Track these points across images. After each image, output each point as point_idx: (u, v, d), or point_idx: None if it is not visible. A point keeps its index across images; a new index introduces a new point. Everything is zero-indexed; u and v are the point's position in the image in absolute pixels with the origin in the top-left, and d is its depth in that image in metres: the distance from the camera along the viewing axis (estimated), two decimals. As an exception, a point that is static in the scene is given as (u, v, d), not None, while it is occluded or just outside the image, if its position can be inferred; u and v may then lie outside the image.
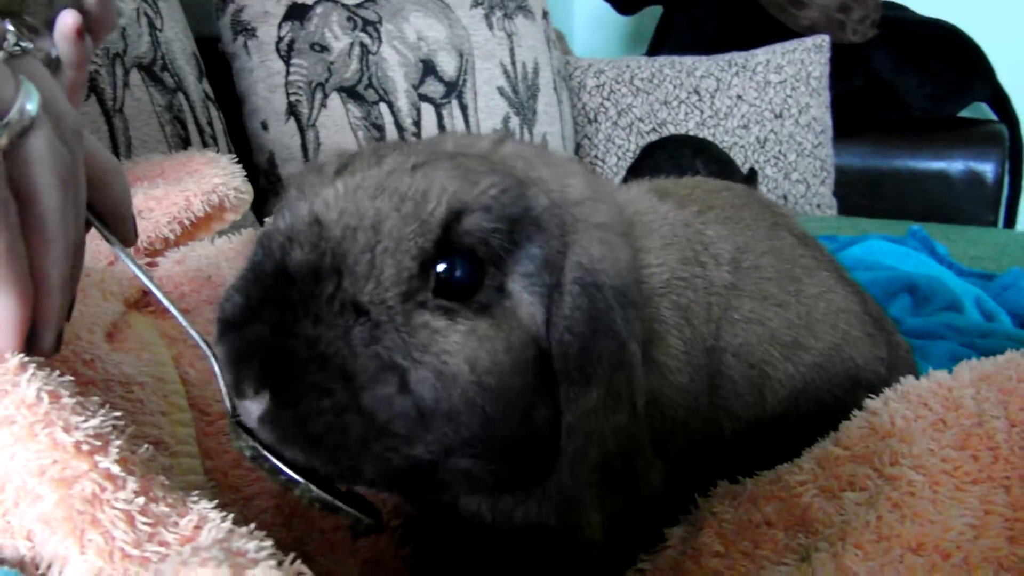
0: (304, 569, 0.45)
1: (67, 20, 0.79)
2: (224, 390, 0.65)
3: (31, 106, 0.57)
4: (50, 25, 0.81)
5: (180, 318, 0.69)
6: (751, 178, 2.56)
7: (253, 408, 0.59)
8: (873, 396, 0.77)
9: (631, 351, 0.65)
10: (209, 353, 0.68)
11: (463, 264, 0.61)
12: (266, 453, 0.60)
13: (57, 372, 0.56)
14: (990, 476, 0.68)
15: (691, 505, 0.80)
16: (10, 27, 0.63)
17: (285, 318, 0.57)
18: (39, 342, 0.60)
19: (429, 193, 0.60)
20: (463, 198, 0.60)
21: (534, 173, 0.67)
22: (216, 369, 0.67)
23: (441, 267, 0.60)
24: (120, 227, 0.71)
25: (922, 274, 1.89)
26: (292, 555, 0.46)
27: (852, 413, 0.77)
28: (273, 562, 0.45)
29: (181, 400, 0.83)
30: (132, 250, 1.09)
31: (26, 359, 0.56)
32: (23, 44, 0.63)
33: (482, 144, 0.70)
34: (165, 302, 0.70)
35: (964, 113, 3.56)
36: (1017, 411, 0.70)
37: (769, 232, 0.93)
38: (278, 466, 0.60)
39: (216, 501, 0.53)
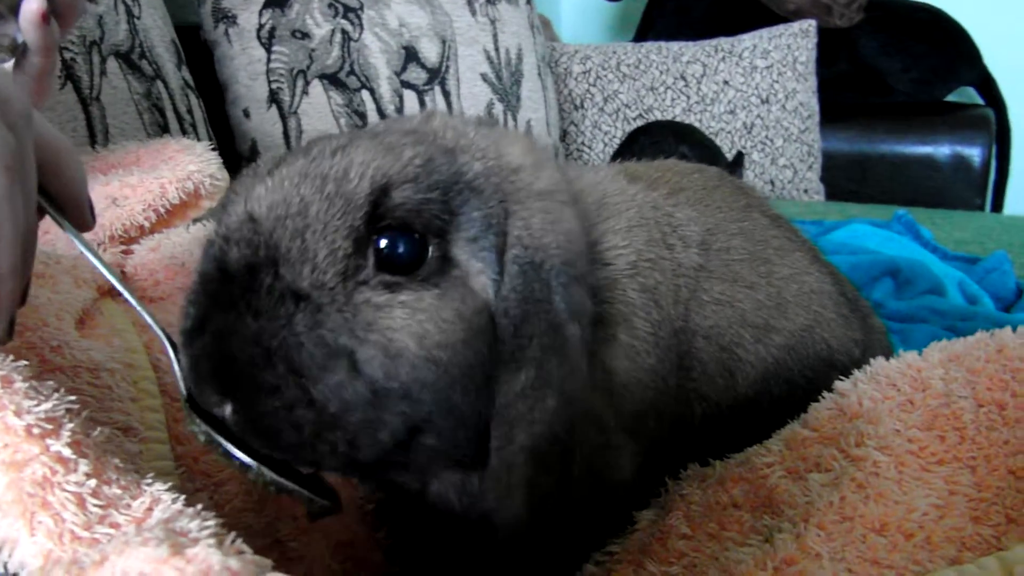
0: (244, 548, 0.45)
1: (32, 5, 0.79)
2: (178, 374, 0.65)
3: None
4: (15, 10, 0.80)
5: (132, 300, 0.68)
6: (737, 162, 2.57)
7: (225, 415, 0.59)
8: (844, 378, 0.77)
9: (568, 334, 0.63)
10: (161, 334, 0.68)
11: (400, 237, 0.60)
12: (218, 438, 0.61)
13: (11, 357, 0.56)
14: (956, 456, 0.68)
15: (661, 488, 0.80)
16: None
17: (228, 320, 0.57)
18: None
19: (350, 171, 0.60)
20: (386, 171, 0.60)
21: (465, 141, 0.67)
22: (169, 351, 0.67)
23: (382, 243, 0.60)
24: (75, 211, 0.70)
25: (904, 258, 1.89)
26: (233, 534, 0.46)
27: (822, 395, 0.77)
28: (213, 540, 0.45)
29: (152, 386, 0.83)
30: (108, 237, 1.09)
31: (-19, 344, 0.56)
32: None
33: (411, 122, 0.70)
34: (119, 286, 0.69)
35: (951, 97, 3.56)
36: (984, 391, 0.71)
37: (740, 214, 0.93)
38: (231, 450, 0.61)
39: (170, 483, 0.53)
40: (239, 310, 0.58)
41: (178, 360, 0.65)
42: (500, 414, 0.61)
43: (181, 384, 0.64)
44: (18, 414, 0.50)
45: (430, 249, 0.62)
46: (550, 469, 0.62)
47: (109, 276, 0.68)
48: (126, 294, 0.68)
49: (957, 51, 3.42)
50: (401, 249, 0.60)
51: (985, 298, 1.83)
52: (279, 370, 0.57)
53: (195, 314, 0.60)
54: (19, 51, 0.83)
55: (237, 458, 0.61)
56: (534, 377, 0.61)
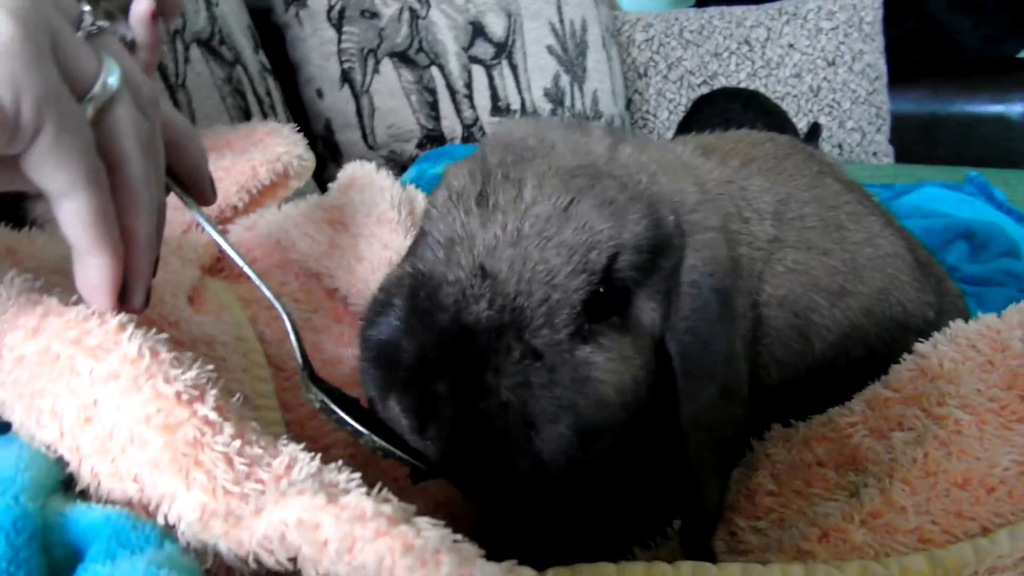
0: (391, 496, 0.49)
1: (142, 6, 0.84)
2: (296, 345, 0.70)
3: (113, 80, 0.61)
4: (125, 11, 0.86)
5: (254, 276, 0.74)
6: (814, 133, 2.55)
7: (430, 448, 0.64)
8: (922, 340, 0.79)
9: (739, 348, 0.71)
10: (280, 308, 0.74)
11: (613, 293, 0.67)
12: (333, 406, 0.66)
13: (154, 331, 0.61)
14: (1036, 415, 0.69)
15: (746, 448, 0.83)
16: (86, 8, 0.67)
17: (468, 372, 0.62)
18: (131, 299, 0.65)
19: (592, 242, 0.65)
20: (618, 240, 0.66)
21: (656, 188, 0.72)
22: (288, 324, 0.73)
23: (602, 301, 0.66)
24: (198, 188, 0.76)
25: (979, 220, 1.87)
26: (379, 484, 0.51)
27: (902, 356, 0.79)
28: (363, 490, 0.50)
29: (260, 358, 0.88)
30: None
31: (125, 319, 0.61)
32: (100, 23, 0.67)
33: (597, 149, 0.73)
34: (240, 261, 0.74)
35: (1022, 54, 3.47)
36: (1064, 351, 0.72)
37: (813, 180, 0.95)
38: (344, 418, 0.66)
39: (303, 444, 0.58)
40: (479, 366, 0.62)
41: (295, 332, 0.70)
42: (695, 422, 0.68)
43: (298, 354, 0.70)
44: (168, 381, 0.56)
45: (630, 300, 0.69)
46: (730, 464, 0.73)
47: (231, 252, 0.73)
48: (248, 270, 0.73)
49: (1028, 5, 3.34)
50: (613, 303, 0.67)
51: (1062, 260, 1.80)
52: (513, 420, 0.62)
53: (419, 354, 0.63)
54: (129, 47, 0.88)
55: (350, 425, 0.66)
56: (721, 388, 0.69)
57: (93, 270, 0.61)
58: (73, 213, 0.58)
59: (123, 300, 0.64)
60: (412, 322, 0.64)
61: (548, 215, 0.66)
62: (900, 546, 0.64)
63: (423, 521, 0.47)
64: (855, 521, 0.66)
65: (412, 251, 0.75)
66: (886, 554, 0.64)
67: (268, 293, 0.73)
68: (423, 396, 0.62)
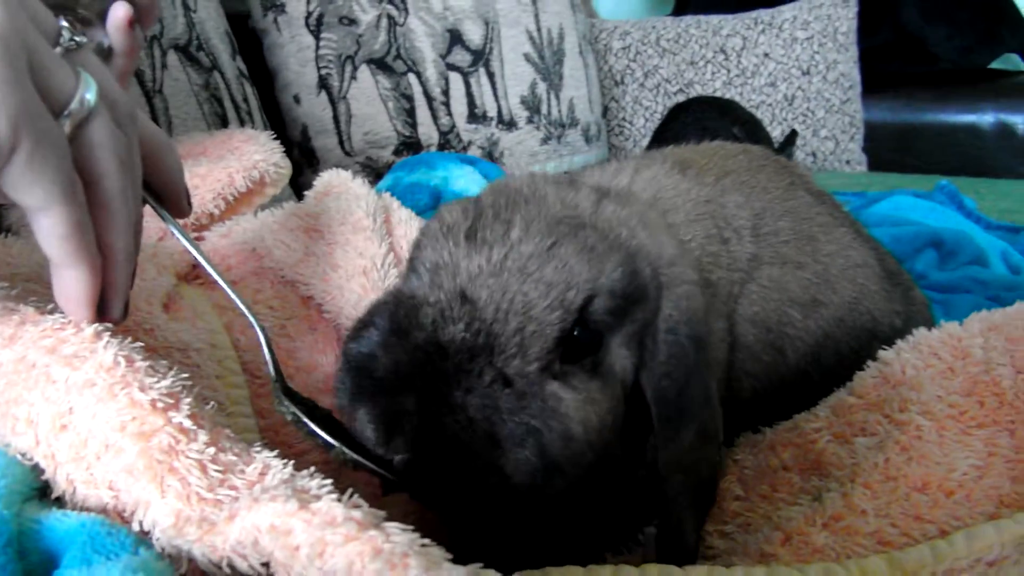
0: (361, 502, 0.50)
1: (119, 12, 0.84)
2: (268, 358, 0.72)
3: (90, 96, 0.62)
4: (102, 16, 0.86)
5: (228, 290, 0.75)
6: (789, 141, 2.59)
7: (396, 460, 0.66)
8: (887, 348, 0.81)
9: (713, 392, 0.74)
10: (255, 323, 0.75)
11: (586, 336, 0.69)
12: (304, 419, 0.68)
13: (129, 339, 0.62)
14: (995, 420, 0.71)
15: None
16: (64, 23, 0.68)
17: (438, 388, 0.64)
18: (109, 310, 0.66)
19: (571, 282, 0.68)
20: (594, 284, 0.69)
21: (635, 241, 0.75)
22: (262, 338, 0.74)
23: (574, 342, 0.69)
24: (174, 201, 0.76)
25: (948, 228, 1.90)
26: (350, 490, 0.52)
27: (866, 364, 0.81)
28: (334, 496, 0.51)
29: (234, 365, 0.89)
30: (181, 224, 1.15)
31: (100, 328, 0.62)
32: (77, 39, 0.68)
33: (583, 204, 0.76)
34: (214, 274, 0.75)
35: (994, 64, 3.53)
36: (1023, 359, 0.74)
37: (786, 193, 0.97)
38: (315, 431, 0.68)
39: (277, 451, 0.59)
40: (450, 384, 0.64)
41: (268, 344, 0.73)
42: (672, 465, 0.71)
43: (271, 366, 0.72)
44: (143, 390, 0.56)
45: (602, 344, 0.71)
46: (707, 503, 0.76)
47: (204, 262, 0.74)
48: (220, 280, 0.74)
49: (1000, 17, 3.39)
50: (585, 346, 0.69)
51: (1029, 268, 1.84)
52: (479, 438, 0.64)
53: (393, 368, 0.65)
54: (105, 54, 0.89)
55: (322, 438, 0.68)
56: (698, 431, 0.71)
57: (70, 282, 0.62)
58: (49, 228, 0.59)
59: (102, 311, 0.65)
60: (390, 339, 0.66)
61: (531, 253, 0.69)
62: (860, 548, 0.66)
63: (392, 526, 0.48)
64: (817, 524, 0.68)
65: (402, 278, 0.77)
66: (847, 556, 0.66)
67: (240, 304, 0.74)
68: (390, 408, 0.64)
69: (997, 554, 0.62)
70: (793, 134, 2.63)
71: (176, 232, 0.75)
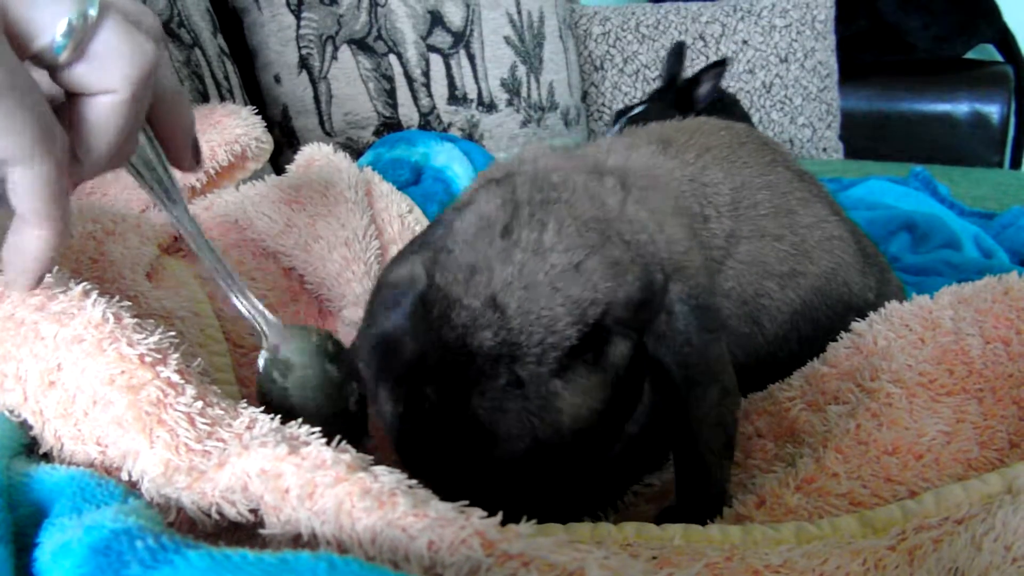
0: (349, 448, 0.52)
1: None
2: (247, 314, 0.75)
3: (93, 11, 0.54)
4: None
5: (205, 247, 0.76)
6: (678, 52, 2.61)
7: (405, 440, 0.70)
8: (860, 320, 0.83)
9: (726, 353, 0.76)
10: (222, 283, 0.76)
11: (596, 338, 0.71)
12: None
13: (117, 297, 0.62)
14: (964, 388, 0.73)
15: None
16: None
17: (458, 389, 0.67)
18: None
19: (595, 300, 0.70)
20: (612, 298, 0.71)
21: (652, 247, 0.77)
22: (242, 310, 0.76)
23: (585, 344, 0.71)
24: (180, 150, 0.71)
25: (921, 212, 1.92)
26: (339, 437, 0.53)
27: (839, 335, 0.83)
28: (323, 441, 0.52)
29: (217, 334, 0.90)
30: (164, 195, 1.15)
31: (89, 286, 0.62)
32: None
33: (611, 202, 0.78)
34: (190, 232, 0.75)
35: (970, 54, 3.56)
36: (991, 329, 0.76)
37: (766, 168, 0.99)
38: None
39: (263, 407, 0.60)
40: (469, 388, 0.67)
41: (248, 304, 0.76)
42: (704, 422, 0.73)
43: (264, 325, 0.75)
44: (131, 345, 0.57)
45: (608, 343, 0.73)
46: (732, 454, 0.77)
47: (185, 223, 0.74)
48: (193, 238, 0.75)
49: (976, 8, 3.42)
50: (592, 345, 0.71)
51: (1000, 252, 1.85)
52: (481, 435, 0.67)
53: (415, 360, 0.68)
54: None
55: None
56: (722, 388, 0.74)
57: (30, 240, 0.57)
58: (18, 182, 0.53)
59: None
60: (420, 327, 0.69)
61: (562, 268, 0.71)
62: (832, 508, 0.68)
63: (380, 469, 0.50)
64: (790, 487, 0.70)
65: (425, 244, 0.78)
66: (819, 516, 0.67)
67: (211, 260, 0.76)
68: (412, 394, 0.67)
69: (965, 512, 0.63)
70: (680, 45, 2.66)
71: (159, 200, 0.72)
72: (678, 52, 2.67)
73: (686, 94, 2.60)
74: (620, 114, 2.62)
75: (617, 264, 0.73)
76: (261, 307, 0.76)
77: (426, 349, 0.68)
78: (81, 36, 0.54)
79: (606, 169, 0.84)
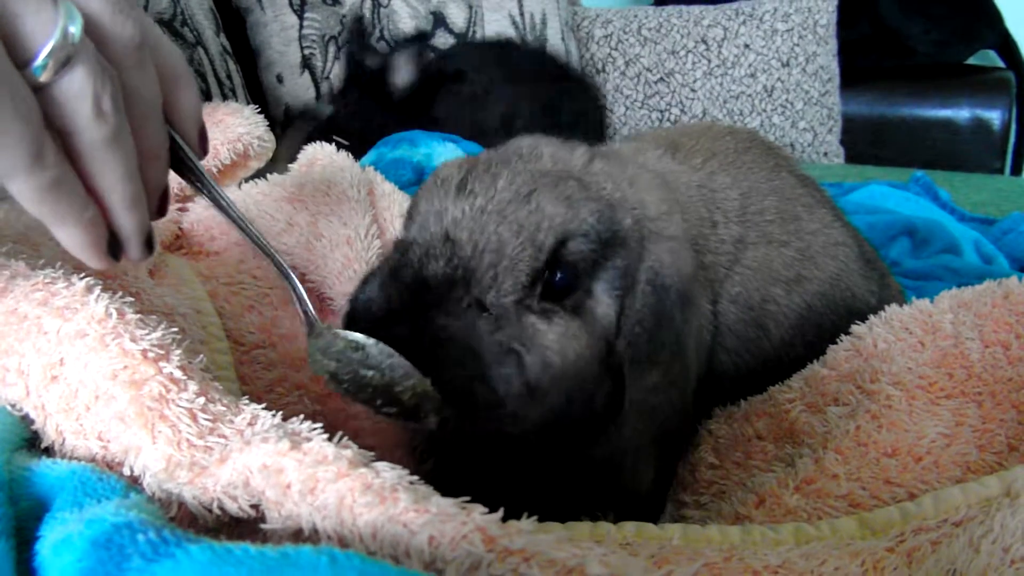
0: (351, 443, 0.52)
1: None
2: (304, 296, 0.76)
3: (74, 29, 0.55)
4: None
5: (250, 230, 0.77)
6: (359, 32, 2.30)
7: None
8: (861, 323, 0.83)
9: (686, 344, 0.78)
10: (285, 272, 0.78)
11: (564, 275, 0.74)
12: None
13: (120, 293, 0.62)
14: (963, 392, 0.73)
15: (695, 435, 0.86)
16: None
17: (424, 317, 0.70)
18: (128, 252, 0.62)
19: (542, 224, 0.73)
20: (568, 227, 0.73)
21: (619, 194, 0.79)
22: (300, 291, 0.77)
23: (550, 279, 0.74)
24: (186, 139, 0.71)
25: (921, 217, 1.92)
26: (340, 432, 0.53)
27: (839, 338, 0.83)
28: (324, 436, 0.52)
29: (219, 331, 0.90)
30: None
31: (91, 281, 0.62)
32: None
33: (575, 161, 0.81)
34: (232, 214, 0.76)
35: (971, 60, 3.56)
36: (991, 333, 0.76)
37: (771, 174, 0.99)
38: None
39: (264, 404, 0.60)
40: (432, 312, 0.70)
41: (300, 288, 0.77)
42: (634, 404, 0.75)
43: (312, 309, 0.75)
44: (134, 340, 0.57)
45: (580, 284, 0.75)
46: (670, 451, 0.79)
47: (224, 204, 0.74)
48: (234, 221, 0.75)
49: (978, 13, 3.42)
50: (561, 282, 0.74)
51: (1000, 258, 1.85)
52: (463, 351, 0.70)
53: (386, 305, 0.70)
54: None
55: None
56: (663, 376, 0.75)
57: (64, 238, 0.59)
58: (19, 194, 0.55)
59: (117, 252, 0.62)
60: (385, 280, 0.72)
61: (509, 199, 0.74)
62: (832, 510, 0.68)
63: (381, 465, 0.50)
64: (789, 487, 0.70)
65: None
66: (819, 517, 0.68)
67: (259, 245, 0.78)
68: (386, 339, 0.67)
69: (964, 515, 0.64)
70: (358, 21, 2.33)
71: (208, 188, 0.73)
72: (358, 31, 2.35)
73: (378, 83, 2.30)
74: (297, 117, 2.27)
75: (570, 197, 0.75)
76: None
77: (390, 295, 0.70)
78: (61, 61, 0.54)
79: (595, 154, 0.85)
